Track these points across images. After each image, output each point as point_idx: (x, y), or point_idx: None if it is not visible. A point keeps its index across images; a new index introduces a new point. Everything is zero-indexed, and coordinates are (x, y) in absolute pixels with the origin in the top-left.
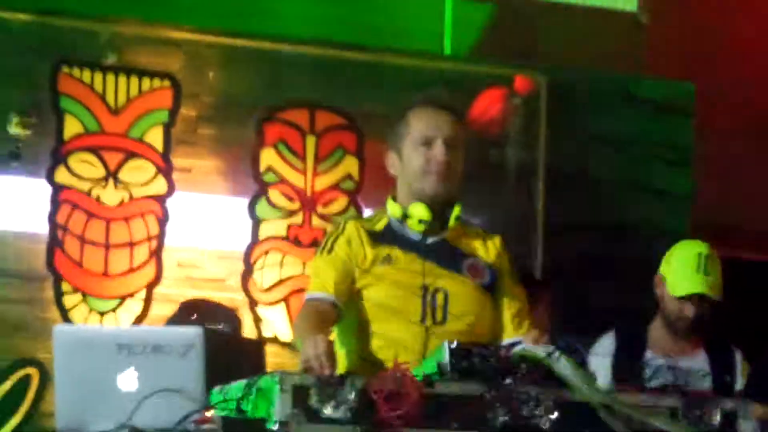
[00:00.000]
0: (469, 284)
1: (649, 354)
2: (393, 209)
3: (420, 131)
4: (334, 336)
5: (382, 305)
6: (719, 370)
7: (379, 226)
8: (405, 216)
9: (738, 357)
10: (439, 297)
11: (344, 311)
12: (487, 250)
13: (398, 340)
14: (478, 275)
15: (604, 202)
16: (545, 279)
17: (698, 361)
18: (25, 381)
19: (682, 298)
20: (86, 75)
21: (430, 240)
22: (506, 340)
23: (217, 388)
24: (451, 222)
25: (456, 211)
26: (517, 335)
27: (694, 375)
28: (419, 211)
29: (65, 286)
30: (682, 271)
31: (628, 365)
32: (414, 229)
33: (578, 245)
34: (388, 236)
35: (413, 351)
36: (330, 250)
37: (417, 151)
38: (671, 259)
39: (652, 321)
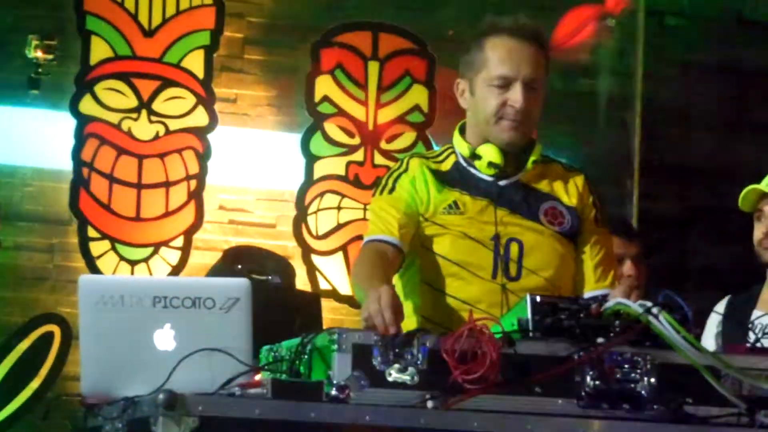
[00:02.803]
0: (546, 233)
1: (756, 312)
2: (461, 146)
3: (497, 69)
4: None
5: (448, 260)
6: None
7: (446, 165)
8: (474, 156)
9: None
10: (513, 249)
11: (407, 259)
12: (568, 190)
13: (467, 299)
14: (557, 221)
15: (709, 141)
16: (631, 229)
17: None
18: (46, 339)
19: (755, 219)
20: None
21: (502, 182)
22: (588, 293)
23: (266, 348)
24: (529, 165)
25: (535, 154)
26: (601, 287)
27: None
28: (490, 154)
29: (91, 232)
30: (752, 187)
31: (734, 325)
32: (484, 171)
33: (678, 189)
34: (455, 178)
35: (484, 312)
36: (392, 190)
37: (491, 91)
38: None
39: None
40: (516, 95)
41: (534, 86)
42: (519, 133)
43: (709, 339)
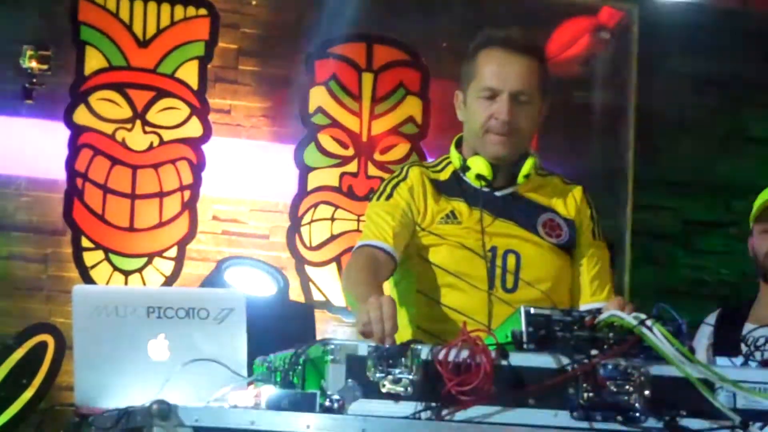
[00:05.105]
0: (544, 245)
1: (748, 326)
2: (454, 157)
3: (485, 80)
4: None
5: (445, 270)
6: None
7: (444, 174)
8: (465, 168)
9: None
10: (510, 260)
11: (399, 266)
12: (567, 203)
13: (463, 309)
14: (555, 233)
15: (703, 153)
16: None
17: None
18: (40, 349)
19: (757, 232)
20: (111, 2)
21: (499, 193)
22: (583, 306)
23: (260, 359)
24: (520, 179)
25: (526, 167)
26: (596, 300)
27: None
28: (478, 166)
29: (85, 242)
30: (756, 206)
31: (725, 339)
32: (474, 183)
33: (672, 202)
34: (452, 187)
35: (480, 323)
36: (389, 196)
37: (480, 103)
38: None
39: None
40: (501, 107)
41: (523, 99)
42: (506, 147)
43: (701, 351)
